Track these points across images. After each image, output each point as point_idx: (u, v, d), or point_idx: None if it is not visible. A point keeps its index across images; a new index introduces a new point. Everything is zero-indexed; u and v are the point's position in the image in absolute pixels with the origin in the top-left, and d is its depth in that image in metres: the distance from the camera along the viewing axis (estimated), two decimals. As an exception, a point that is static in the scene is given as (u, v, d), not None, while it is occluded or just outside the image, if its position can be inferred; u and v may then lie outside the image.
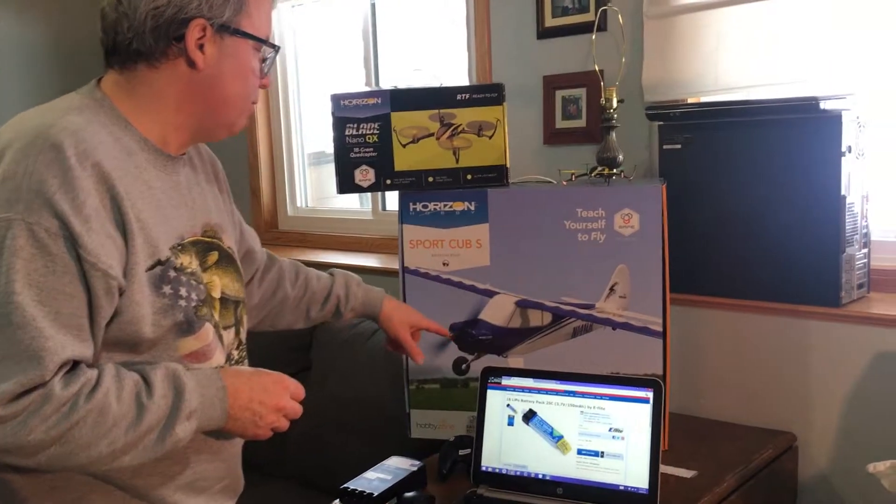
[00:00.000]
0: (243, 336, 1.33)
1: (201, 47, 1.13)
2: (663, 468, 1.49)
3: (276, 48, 1.21)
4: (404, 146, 1.70)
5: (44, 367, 0.98)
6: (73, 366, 1.03)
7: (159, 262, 1.11)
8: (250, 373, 1.19)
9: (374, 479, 1.49)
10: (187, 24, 1.11)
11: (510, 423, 1.49)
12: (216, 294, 1.23)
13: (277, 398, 1.17)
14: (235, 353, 1.29)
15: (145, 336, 1.10)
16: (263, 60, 1.21)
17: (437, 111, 1.69)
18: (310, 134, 3.05)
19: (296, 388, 1.22)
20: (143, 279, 1.09)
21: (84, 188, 1.02)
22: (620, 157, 1.80)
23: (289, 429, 1.21)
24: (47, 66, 2.97)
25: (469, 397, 1.69)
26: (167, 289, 1.12)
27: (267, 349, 2.51)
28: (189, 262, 1.17)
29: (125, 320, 1.08)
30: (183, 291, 1.14)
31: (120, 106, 1.14)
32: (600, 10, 1.98)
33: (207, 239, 1.24)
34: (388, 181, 1.72)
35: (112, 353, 1.09)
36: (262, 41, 1.19)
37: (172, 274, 1.13)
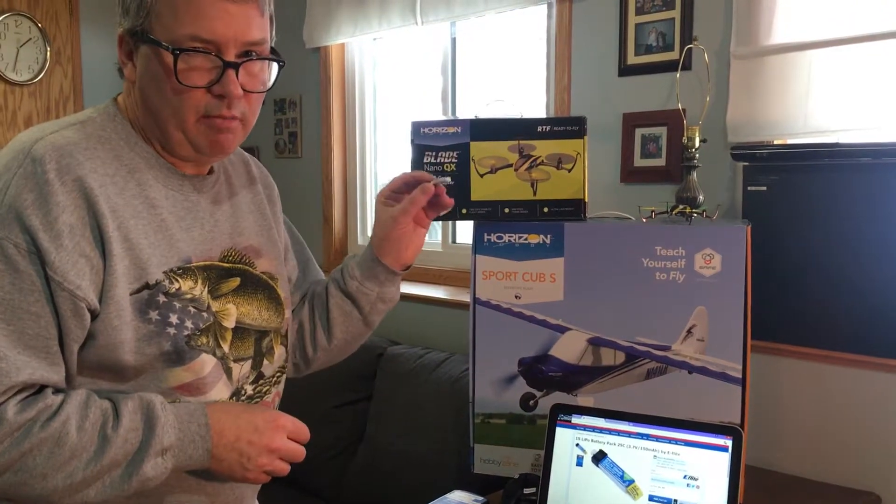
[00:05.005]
0: (268, 370, 1.21)
1: (133, 60, 1.07)
2: (738, 522, 1.42)
3: (171, 50, 1.01)
4: (482, 176, 1.69)
5: None
6: (40, 389, 0.97)
7: (147, 286, 1.03)
8: (241, 409, 1.09)
9: (436, 512, 1.46)
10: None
11: (579, 464, 1.44)
12: (228, 323, 1.13)
13: (269, 439, 1.06)
14: (249, 389, 1.18)
15: (127, 363, 1.02)
16: (227, 65, 1.03)
17: (516, 142, 1.67)
18: (384, 164, 3.08)
19: (295, 427, 1.10)
20: (125, 303, 1.01)
21: (59, 203, 0.96)
22: (701, 197, 1.76)
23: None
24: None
25: (535, 435, 1.65)
26: (154, 314, 1.03)
27: (330, 377, 2.53)
28: (191, 287, 1.08)
29: (101, 345, 1.00)
30: (174, 318, 1.05)
31: (135, 121, 1.10)
32: (685, 48, 1.95)
33: (227, 264, 1.15)
34: (464, 210, 1.70)
35: (97, 379, 1.03)
36: (160, 45, 1.02)
37: (162, 299, 1.04)
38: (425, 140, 1.70)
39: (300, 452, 1.10)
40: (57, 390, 1.00)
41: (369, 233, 3.08)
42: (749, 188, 1.80)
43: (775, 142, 1.87)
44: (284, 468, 1.10)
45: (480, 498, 1.52)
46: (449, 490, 1.56)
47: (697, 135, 1.78)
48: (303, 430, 1.11)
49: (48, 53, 3.10)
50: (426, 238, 2.99)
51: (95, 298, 0.99)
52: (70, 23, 3.15)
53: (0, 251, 0.94)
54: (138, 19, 1.03)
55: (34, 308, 0.96)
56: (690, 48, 1.95)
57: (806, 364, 1.79)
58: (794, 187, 1.75)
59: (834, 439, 1.77)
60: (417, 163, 1.71)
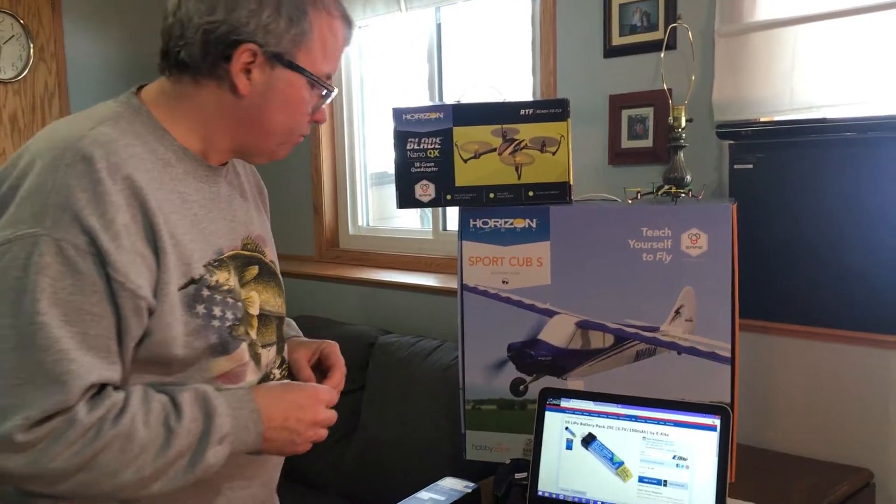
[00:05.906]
0: (286, 354, 1.26)
1: (248, 72, 1.06)
2: (729, 502, 1.41)
3: (329, 89, 1.12)
4: (465, 161, 1.68)
5: (68, 392, 0.93)
6: (100, 389, 0.99)
7: (193, 281, 1.05)
8: (281, 390, 1.13)
9: (428, 499, 1.46)
10: (237, 47, 1.04)
11: (568, 447, 1.44)
12: (254, 311, 1.16)
13: (314, 413, 1.12)
14: (277, 373, 1.21)
15: (177, 357, 1.04)
16: (324, 96, 1.13)
17: (499, 126, 1.66)
18: (373, 153, 3.06)
19: (329, 396, 1.17)
20: (175, 299, 1.03)
21: (114, 203, 0.97)
22: (688, 177, 1.75)
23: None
24: (125, 84, 3.09)
25: (526, 420, 1.64)
26: (201, 308, 1.06)
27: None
28: (227, 278, 1.10)
29: (155, 341, 1.02)
30: (217, 311, 1.07)
31: (158, 114, 1.08)
32: (670, 27, 1.94)
33: (248, 252, 1.17)
34: (449, 196, 1.69)
35: (143, 373, 1.05)
36: (317, 80, 1.10)
37: (206, 293, 1.06)
38: (407, 126, 1.69)
39: (335, 416, 1.16)
40: (115, 388, 1.01)
41: (360, 222, 3.07)
42: (735, 166, 1.79)
43: (761, 119, 1.86)
44: (325, 434, 1.16)
45: (472, 484, 1.52)
46: (441, 477, 1.55)
47: (683, 114, 1.76)
48: (334, 395, 1.18)
49: (31, 50, 3.06)
50: (417, 226, 2.98)
51: (152, 296, 1.00)
52: (52, 19, 3.11)
53: (59, 253, 0.94)
54: (288, 45, 1.06)
55: (96, 309, 0.97)
56: (675, 27, 1.94)
57: (795, 341, 1.79)
58: (781, 164, 1.73)
59: (825, 416, 1.77)
60: (400, 149, 1.70)
